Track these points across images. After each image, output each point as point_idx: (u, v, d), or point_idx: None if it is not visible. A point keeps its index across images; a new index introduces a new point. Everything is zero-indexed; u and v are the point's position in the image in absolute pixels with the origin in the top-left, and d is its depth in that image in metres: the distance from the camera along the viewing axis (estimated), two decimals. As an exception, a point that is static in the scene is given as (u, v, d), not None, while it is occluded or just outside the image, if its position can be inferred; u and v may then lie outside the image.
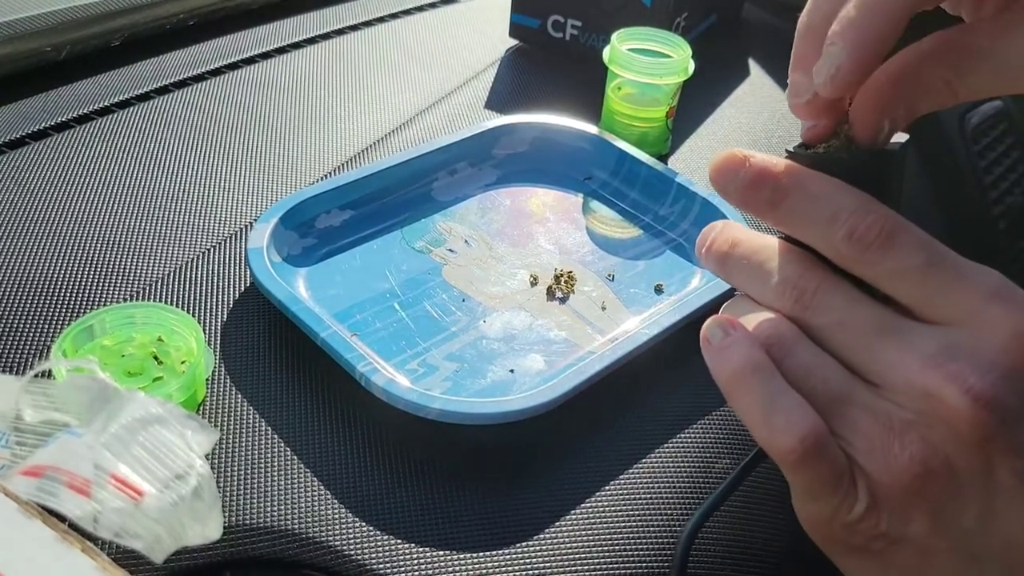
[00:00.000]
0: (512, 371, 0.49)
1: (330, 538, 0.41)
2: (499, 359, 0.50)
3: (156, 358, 0.45)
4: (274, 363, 0.48)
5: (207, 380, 0.47)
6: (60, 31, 0.68)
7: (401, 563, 0.40)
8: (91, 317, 0.45)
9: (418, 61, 0.78)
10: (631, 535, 0.43)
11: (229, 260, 0.54)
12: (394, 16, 0.86)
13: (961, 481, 0.29)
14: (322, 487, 0.43)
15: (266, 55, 0.76)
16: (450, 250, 0.57)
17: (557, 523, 0.43)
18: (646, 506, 0.45)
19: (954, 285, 0.29)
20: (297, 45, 0.78)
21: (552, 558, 0.42)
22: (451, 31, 0.84)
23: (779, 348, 0.31)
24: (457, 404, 0.44)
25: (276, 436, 0.45)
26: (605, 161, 0.65)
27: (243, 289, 0.52)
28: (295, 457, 0.44)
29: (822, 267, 0.31)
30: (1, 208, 0.56)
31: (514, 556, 0.41)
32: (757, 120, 0.76)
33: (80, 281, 0.52)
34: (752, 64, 0.84)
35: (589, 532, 0.43)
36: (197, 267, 0.53)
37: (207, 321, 0.50)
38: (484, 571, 0.40)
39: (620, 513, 0.44)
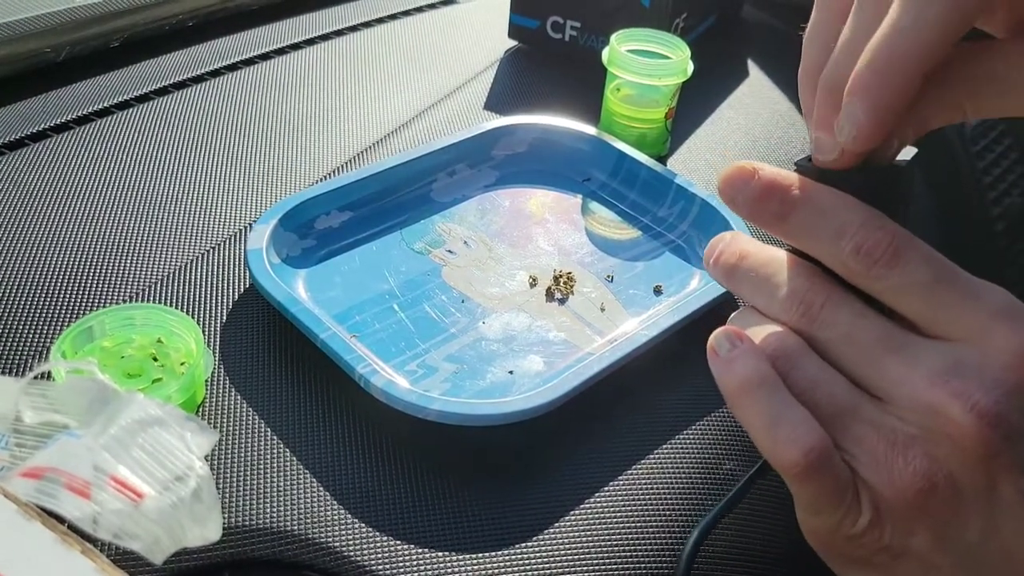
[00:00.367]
0: (511, 372, 0.49)
1: (329, 539, 0.41)
2: (498, 360, 0.50)
3: (155, 359, 0.45)
4: (273, 365, 0.48)
5: (206, 381, 0.47)
6: (59, 32, 0.68)
7: (401, 564, 0.40)
8: (90, 319, 0.45)
9: (417, 62, 0.79)
10: (631, 535, 0.43)
11: (228, 261, 0.54)
12: (393, 17, 0.86)
13: (964, 497, 0.29)
14: (321, 488, 0.43)
15: (265, 56, 0.76)
16: (449, 251, 0.57)
17: (557, 524, 0.43)
18: (646, 507, 0.45)
19: (960, 302, 0.29)
20: (296, 46, 0.78)
21: (552, 559, 0.42)
22: (450, 32, 0.85)
23: (785, 361, 0.31)
24: (456, 405, 0.44)
25: (275, 437, 0.45)
26: (604, 162, 0.65)
27: (242, 291, 0.52)
28: (294, 458, 0.44)
29: (829, 281, 0.31)
30: (1, 209, 0.56)
31: (514, 557, 0.41)
32: (756, 121, 0.76)
33: (79, 282, 0.52)
34: (751, 65, 0.84)
35: (589, 533, 0.43)
36: (196, 269, 0.53)
37: (206, 322, 0.50)
38: (484, 572, 0.40)
39: (620, 513, 0.44)
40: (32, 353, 0.47)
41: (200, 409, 0.46)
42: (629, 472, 0.46)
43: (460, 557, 0.41)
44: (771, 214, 0.31)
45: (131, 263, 0.54)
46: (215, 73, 0.73)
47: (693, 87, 0.68)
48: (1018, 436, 0.28)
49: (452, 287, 0.54)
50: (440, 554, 0.41)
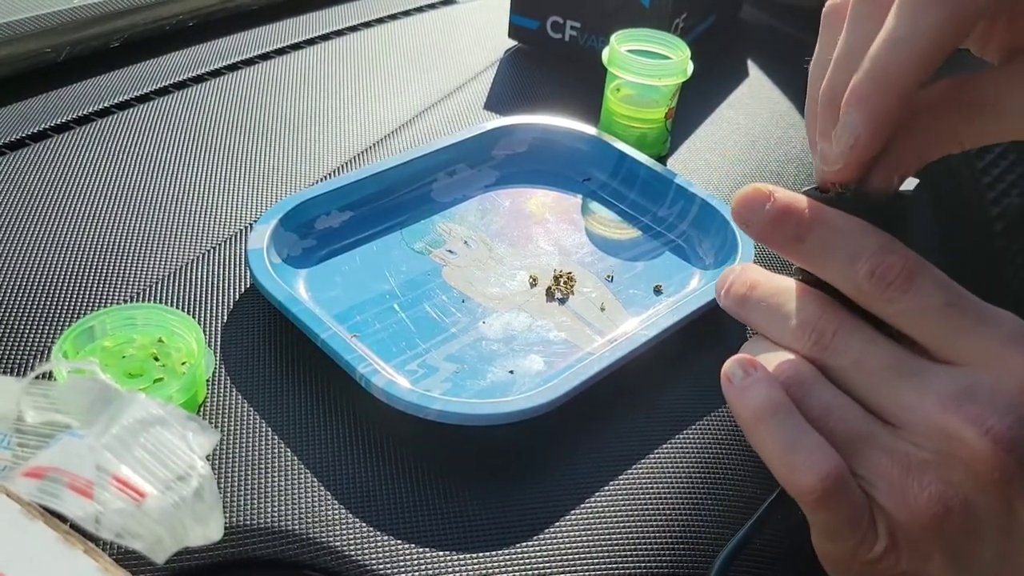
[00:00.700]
0: (512, 372, 0.49)
1: (331, 539, 0.41)
2: (499, 360, 0.50)
3: (157, 359, 0.45)
4: (274, 364, 0.49)
5: (208, 381, 0.47)
6: (60, 32, 0.68)
7: (401, 563, 0.40)
8: (91, 319, 0.45)
9: (417, 62, 0.79)
10: (631, 535, 0.44)
11: (229, 261, 0.54)
12: (393, 17, 0.86)
13: (980, 521, 0.29)
14: (322, 488, 0.43)
15: (265, 56, 0.76)
16: (450, 251, 0.57)
17: (557, 523, 0.43)
18: (646, 506, 0.45)
19: (973, 327, 0.29)
20: (296, 46, 0.78)
21: (552, 558, 0.42)
22: (450, 32, 0.85)
23: (798, 388, 0.31)
24: (457, 405, 0.44)
25: (276, 437, 0.45)
26: (604, 162, 0.65)
27: (243, 290, 0.53)
28: (295, 458, 0.44)
29: (841, 309, 0.31)
30: (1, 209, 0.56)
31: (514, 556, 0.41)
32: (756, 121, 0.76)
33: (80, 282, 0.52)
34: (751, 65, 0.84)
35: (589, 532, 0.43)
36: (197, 268, 0.54)
37: (207, 322, 0.50)
38: (484, 571, 0.41)
39: (620, 513, 0.44)
40: (33, 353, 0.47)
41: (201, 409, 0.46)
42: (629, 471, 0.46)
43: (460, 556, 0.41)
44: (787, 236, 0.31)
45: (132, 263, 0.54)
46: (215, 73, 0.73)
47: (693, 87, 0.68)
48: None
49: (452, 287, 0.54)
50: (441, 553, 0.41)
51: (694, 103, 0.75)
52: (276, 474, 0.43)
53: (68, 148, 0.62)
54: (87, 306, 0.50)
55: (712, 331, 0.55)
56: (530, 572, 0.41)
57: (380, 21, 0.85)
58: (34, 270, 0.52)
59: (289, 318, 0.48)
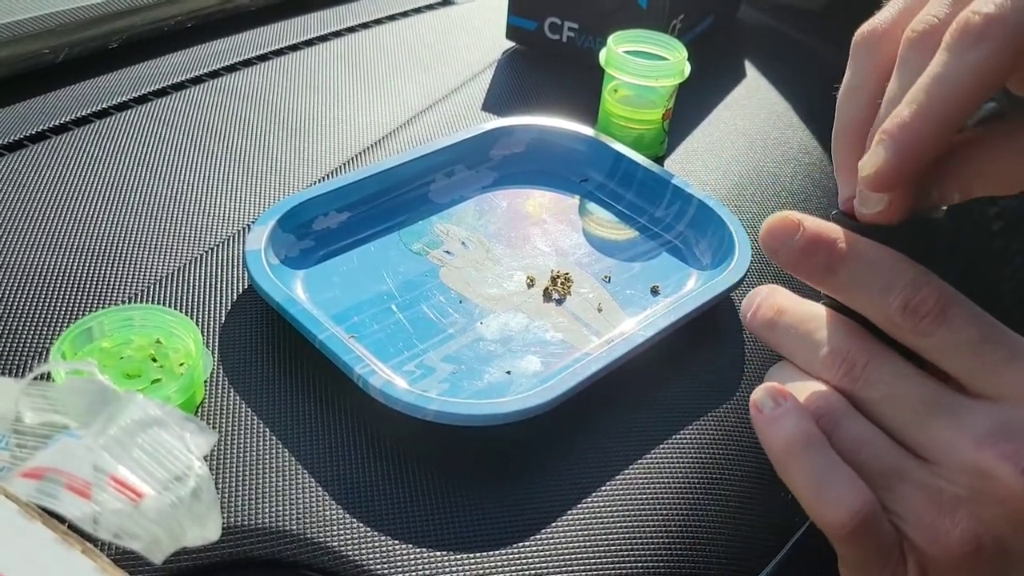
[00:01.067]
0: (509, 372, 0.49)
1: (328, 539, 0.41)
2: (496, 361, 0.50)
3: (154, 360, 0.45)
4: (272, 365, 0.49)
5: (205, 382, 0.47)
6: (58, 33, 0.68)
7: (399, 564, 0.40)
8: (89, 319, 0.45)
9: (415, 63, 0.79)
10: (628, 535, 0.44)
11: (227, 262, 0.54)
12: (391, 18, 0.86)
13: (1011, 559, 0.29)
14: (320, 488, 0.43)
15: (263, 58, 0.76)
16: (447, 252, 0.57)
17: (554, 523, 0.43)
18: (643, 506, 0.45)
19: (1006, 362, 0.29)
20: (294, 47, 0.79)
21: (550, 558, 0.42)
22: (448, 33, 0.85)
23: (829, 420, 0.31)
24: (454, 406, 0.44)
25: (274, 437, 0.45)
26: (601, 163, 0.65)
27: (241, 291, 0.53)
28: (293, 458, 0.44)
29: (871, 339, 0.31)
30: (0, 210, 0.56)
31: (512, 556, 0.42)
32: (753, 122, 0.76)
33: (79, 283, 0.52)
34: (748, 66, 0.85)
35: (587, 532, 0.43)
36: (195, 269, 0.54)
37: (205, 323, 0.50)
38: (482, 571, 0.41)
39: (617, 513, 0.44)
40: (32, 354, 0.47)
41: (199, 410, 0.46)
42: (626, 472, 0.46)
43: (458, 556, 0.41)
44: (818, 267, 0.31)
45: (130, 264, 0.54)
46: (214, 74, 0.73)
47: (690, 88, 0.69)
48: None
49: (450, 288, 0.55)
50: (438, 553, 0.41)
51: (691, 104, 0.75)
52: (274, 474, 0.43)
53: (66, 149, 0.62)
54: (85, 307, 0.50)
55: (709, 332, 0.55)
56: (528, 572, 0.41)
57: (378, 22, 0.85)
58: (32, 271, 0.52)
59: (287, 319, 0.48)
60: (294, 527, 0.41)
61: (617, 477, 0.46)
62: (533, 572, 0.41)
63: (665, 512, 0.45)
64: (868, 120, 0.31)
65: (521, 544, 0.42)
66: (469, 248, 0.58)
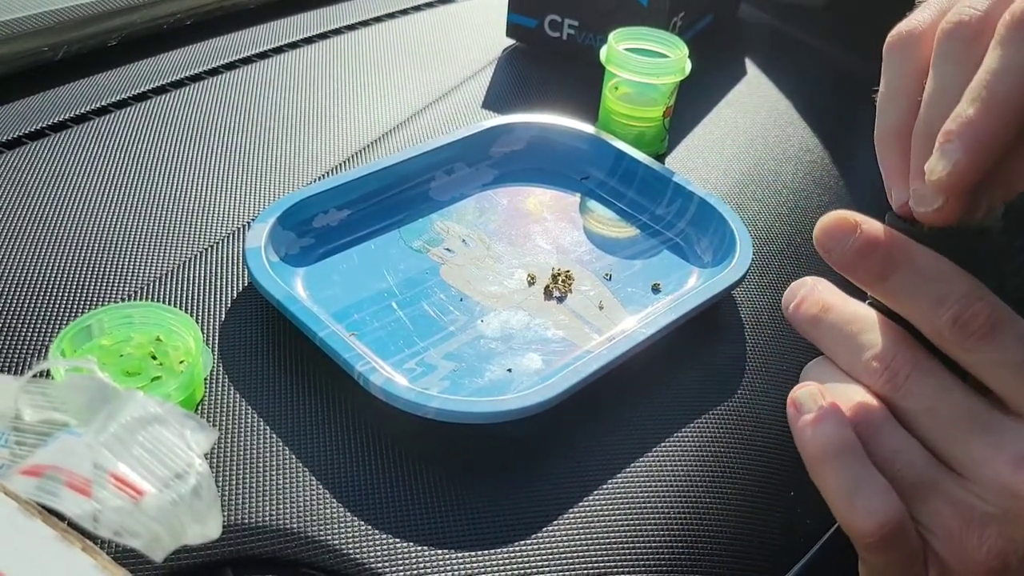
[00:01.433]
0: (510, 370, 0.49)
1: (328, 537, 0.41)
2: (497, 358, 0.50)
3: (154, 358, 0.45)
4: (272, 362, 0.49)
5: (205, 380, 0.47)
6: (57, 31, 0.68)
7: (399, 561, 0.40)
8: (89, 317, 0.45)
9: (415, 61, 0.79)
10: (629, 532, 0.44)
11: (227, 260, 0.54)
12: (391, 16, 0.86)
13: None
14: (320, 486, 0.43)
15: (263, 55, 0.76)
16: (448, 250, 0.57)
17: (554, 521, 0.43)
18: (645, 504, 0.45)
19: None
20: (294, 45, 0.78)
21: (549, 556, 0.42)
22: (448, 31, 0.85)
23: (867, 427, 0.31)
24: (455, 403, 0.44)
25: (274, 435, 0.45)
26: (602, 161, 0.65)
27: (241, 289, 0.53)
28: (293, 456, 0.44)
29: (916, 347, 0.31)
30: (-1, 208, 0.56)
31: (512, 554, 0.41)
32: (754, 119, 0.76)
33: (78, 281, 0.52)
34: (749, 64, 0.85)
35: (587, 530, 0.43)
36: (195, 267, 0.54)
37: (205, 321, 0.50)
38: (482, 569, 0.41)
39: (619, 511, 0.44)
40: (31, 352, 0.47)
41: (199, 407, 0.46)
42: (628, 469, 0.46)
43: (458, 554, 0.41)
44: (871, 272, 0.31)
45: (129, 262, 0.54)
46: (213, 72, 0.73)
47: (691, 86, 0.68)
48: None
49: (451, 285, 0.54)
50: (438, 551, 0.41)
51: (692, 101, 0.75)
52: (274, 472, 0.43)
53: (66, 147, 0.62)
54: (85, 305, 0.50)
55: (710, 330, 0.55)
56: (528, 569, 0.41)
57: (378, 20, 0.85)
58: (32, 269, 0.52)
59: (287, 316, 0.48)
60: (295, 525, 0.41)
61: (618, 475, 0.46)
62: (534, 570, 0.41)
63: (667, 510, 0.45)
64: (913, 123, 0.31)
65: (522, 541, 0.42)
66: (470, 246, 0.58)
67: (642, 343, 0.49)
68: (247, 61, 0.75)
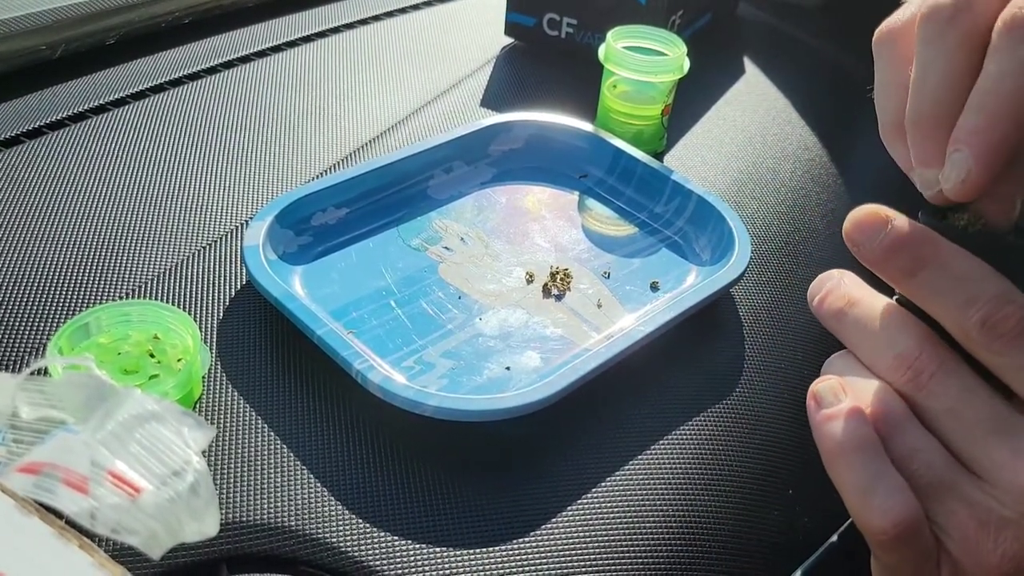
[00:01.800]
0: (508, 368, 0.49)
1: (326, 534, 0.41)
2: (495, 356, 0.50)
3: (152, 356, 0.45)
4: (270, 360, 0.48)
5: (203, 378, 0.47)
6: (55, 29, 0.68)
7: (398, 559, 0.40)
8: (87, 315, 0.45)
9: (414, 59, 0.79)
10: (628, 530, 0.44)
11: (225, 258, 0.54)
12: (390, 14, 0.86)
13: None
14: (318, 484, 0.43)
15: (261, 53, 0.76)
16: (446, 248, 0.57)
17: (554, 519, 0.43)
18: (643, 502, 0.45)
19: None
20: (292, 43, 0.78)
21: (549, 553, 0.42)
22: (447, 29, 0.84)
23: (887, 425, 0.31)
24: (453, 401, 0.44)
25: (272, 433, 0.45)
26: (601, 159, 0.65)
27: (239, 287, 0.52)
28: (291, 454, 0.44)
29: (942, 346, 0.30)
30: (-4, 206, 0.56)
31: (510, 552, 0.41)
32: (753, 118, 0.76)
33: (76, 279, 0.52)
34: (747, 62, 0.84)
35: (586, 527, 0.43)
36: (193, 265, 0.53)
37: (203, 319, 0.50)
38: (480, 566, 0.41)
39: (617, 508, 0.44)
40: (28, 349, 0.47)
41: (197, 405, 0.46)
42: (626, 467, 0.46)
43: (456, 552, 0.41)
44: (900, 268, 0.30)
45: (127, 260, 0.53)
46: (211, 70, 0.73)
47: (689, 84, 0.68)
48: None
49: (449, 283, 0.54)
50: (436, 549, 0.41)
51: (690, 100, 0.75)
52: (272, 470, 0.43)
53: (64, 145, 0.62)
54: (82, 303, 0.50)
55: (709, 328, 0.55)
56: (527, 567, 0.41)
57: (376, 18, 0.85)
58: (30, 267, 0.52)
59: (285, 314, 0.48)
60: (292, 523, 0.41)
61: (617, 473, 0.46)
62: (532, 567, 0.41)
63: (664, 507, 0.45)
64: (924, 115, 0.31)
65: (520, 539, 0.42)
66: (468, 244, 0.58)
67: (640, 341, 0.49)
68: (245, 60, 0.75)
